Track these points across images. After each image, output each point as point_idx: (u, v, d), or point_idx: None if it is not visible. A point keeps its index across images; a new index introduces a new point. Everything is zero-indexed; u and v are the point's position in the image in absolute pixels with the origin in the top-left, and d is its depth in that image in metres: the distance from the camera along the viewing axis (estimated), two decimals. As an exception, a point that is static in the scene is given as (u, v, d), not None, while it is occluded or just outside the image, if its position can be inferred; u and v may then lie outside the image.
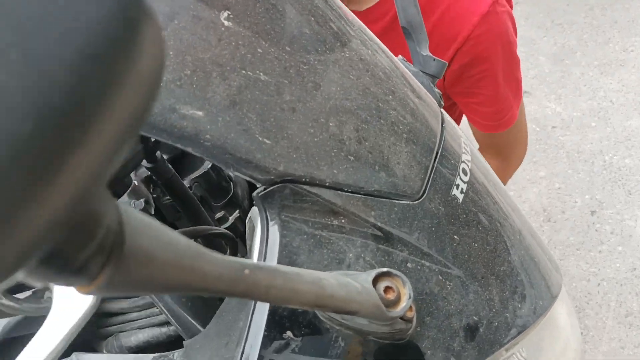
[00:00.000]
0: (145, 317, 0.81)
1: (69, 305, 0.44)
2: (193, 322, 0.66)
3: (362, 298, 0.44)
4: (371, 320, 0.49)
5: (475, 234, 0.61)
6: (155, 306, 0.80)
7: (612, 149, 2.44)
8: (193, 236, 0.63)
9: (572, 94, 2.68)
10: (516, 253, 0.65)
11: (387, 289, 0.48)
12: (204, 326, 0.66)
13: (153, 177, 0.69)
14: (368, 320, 0.49)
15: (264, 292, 0.34)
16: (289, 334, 0.48)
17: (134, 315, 0.82)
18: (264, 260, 0.50)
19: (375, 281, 0.47)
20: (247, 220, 0.69)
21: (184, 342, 0.59)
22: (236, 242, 0.65)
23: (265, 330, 0.47)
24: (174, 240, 0.28)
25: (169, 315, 0.67)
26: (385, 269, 0.48)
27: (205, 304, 0.68)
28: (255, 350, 0.47)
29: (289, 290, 0.36)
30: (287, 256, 0.51)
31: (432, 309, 0.55)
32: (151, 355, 0.61)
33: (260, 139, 0.51)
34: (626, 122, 2.52)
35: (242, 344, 0.47)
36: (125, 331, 0.81)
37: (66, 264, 0.23)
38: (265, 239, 0.51)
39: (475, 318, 0.58)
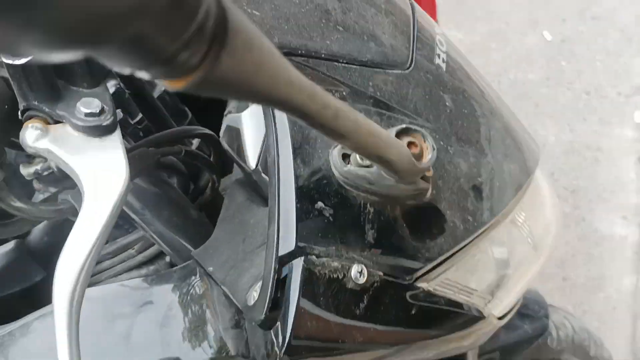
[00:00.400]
0: (119, 263, 0.75)
1: (99, 198, 0.40)
2: (184, 244, 0.62)
3: (397, 145, 0.42)
4: (397, 181, 0.47)
5: (463, 101, 0.61)
6: (131, 247, 0.74)
7: (515, 67, 2.56)
8: (179, 136, 0.58)
9: (469, 20, 2.77)
10: (500, 120, 0.66)
11: (410, 144, 0.47)
12: (195, 247, 0.63)
13: (121, 85, 0.64)
14: (394, 181, 0.47)
15: (333, 114, 0.31)
16: (320, 204, 0.46)
17: (107, 263, 0.76)
18: (276, 140, 0.47)
19: (397, 137, 0.46)
20: (222, 133, 0.66)
21: (193, 252, 0.55)
22: (221, 145, 0.61)
23: (296, 203, 0.45)
24: (263, 34, 0.25)
25: (159, 241, 0.62)
26: (405, 125, 0.47)
27: (194, 226, 0.64)
28: (291, 223, 0.44)
29: (351, 120, 0.33)
30: (298, 132, 0.48)
31: (441, 173, 0.55)
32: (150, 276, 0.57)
33: (250, 10, 0.48)
34: (524, 40, 2.64)
35: (275, 221, 0.44)
36: (101, 282, 0.75)
37: (164, 47, 0.20)
38: (272, 119, 0.48)
39: (479, 179, 0.58)
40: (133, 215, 0.63)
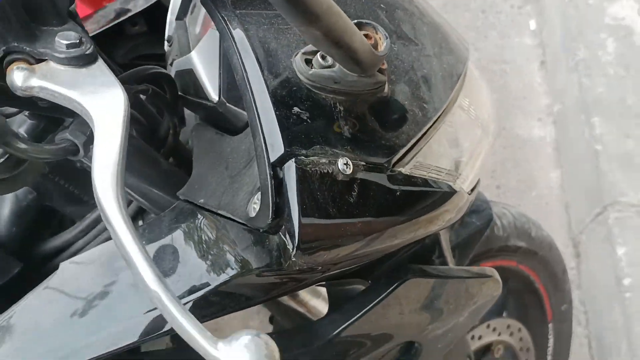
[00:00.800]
0: (94, 239, 0.75)
1: (109, 119, 0.41)
2: (161, 194, 0.63)
3: (359, 33, 0.45)
4: (359, 75, 0.50)
5: (394, 3, 0.65)
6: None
7: (412, -1, 2.63)
8: (139, 76, 0.58)
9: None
10: (429, 18, 0.70)
11: (365, 36, 0.49)
12: (172, 196, 0.64)
13: None
14: (357, 76, 0.50)
15: None
16: (296, 109, 0.48)
17: (80, 243, 0.75)
18: (240, 58, 0.49)
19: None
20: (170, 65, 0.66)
21: (178, 193, 0.56)
22: (175, 83, 0.62)
23: (275, 112, 0.47)
24: None
25: (135, 196, 0.63)
26: (356, 20, 0.50)
27: (166, 175, 0.65)
28: (274, 130, 0.46)
29: None
30: (259, 47, 0.50)
31: (392, 69, 0.58)
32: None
33: None
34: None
35: (260, 132, 0.46)
36: (79, 262, 0.75)
37: None
38: (231, 40, 0.50)
39: (424, 70, 0.62)
40: None
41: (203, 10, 0.71)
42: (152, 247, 0.53)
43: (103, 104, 0.42)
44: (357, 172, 0.49)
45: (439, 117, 0.60)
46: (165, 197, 0.64)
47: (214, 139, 0.58)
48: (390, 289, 0.63)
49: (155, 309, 0.52)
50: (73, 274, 0.55)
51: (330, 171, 0.47)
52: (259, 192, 0.47)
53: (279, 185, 0.46)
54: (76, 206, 0.75)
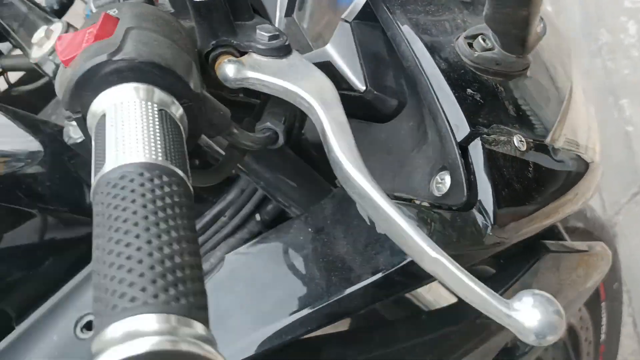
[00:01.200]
0: (213, 235, 0.76)
1: (327, 103, 0.43)
2: (294, 186, 0.65)
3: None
4: (517, 56, 0.52)
5: None
6: (223, 214, 0.75)
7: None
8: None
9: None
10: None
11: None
12: (304, 190, 0.65)
13: None
14: (515, 57, 0.52)
15: None
16: (469, 91, 0.50)
17: (200, 239, 0.76)
18: (410, 46, 0.51)
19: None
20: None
21: (337, 181, 0.58)
22: None
23: (454, 93, 0.49)
24: None
25: (272, 192, 0.64)
26: None
27: (296, 169, 0.66)
28: (457, 111, 0.48)
29: None
30: (423, 33, 0.52)
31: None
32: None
33: None
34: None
35: (441, 113, 0.48)
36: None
37: None
38: (398, 28, 0.52)
39: (547, 53, 0.64)
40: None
41: (310, 6, 0.72)
42: (322, 235, 0.55)
43: (317, 90, 0.44)
44: (529, 148, 0.51)
45: (570, 91, 0.62)
46: (297, 188, 0.65)
47: (361, 128, 0.60)
48: (528, 265, 0.65)
49: (321, 300, 0.53)
50: (239, 265, 0.57)
51: (509, 148, 0.49)
52: (442, 172, 0.49)
53: (466, 164, 0.48)
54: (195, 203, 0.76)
